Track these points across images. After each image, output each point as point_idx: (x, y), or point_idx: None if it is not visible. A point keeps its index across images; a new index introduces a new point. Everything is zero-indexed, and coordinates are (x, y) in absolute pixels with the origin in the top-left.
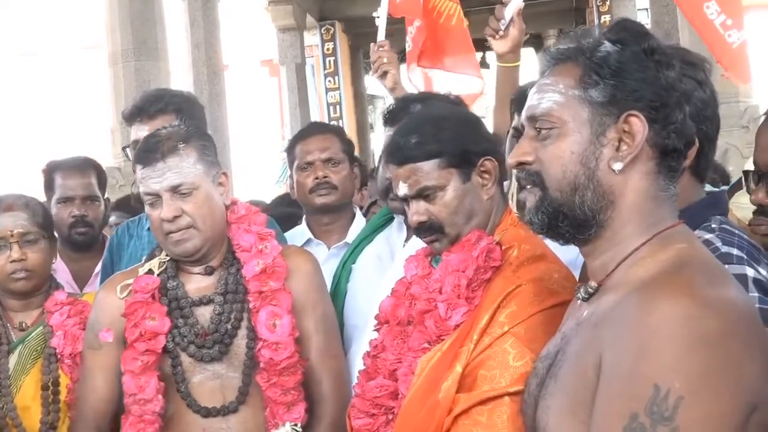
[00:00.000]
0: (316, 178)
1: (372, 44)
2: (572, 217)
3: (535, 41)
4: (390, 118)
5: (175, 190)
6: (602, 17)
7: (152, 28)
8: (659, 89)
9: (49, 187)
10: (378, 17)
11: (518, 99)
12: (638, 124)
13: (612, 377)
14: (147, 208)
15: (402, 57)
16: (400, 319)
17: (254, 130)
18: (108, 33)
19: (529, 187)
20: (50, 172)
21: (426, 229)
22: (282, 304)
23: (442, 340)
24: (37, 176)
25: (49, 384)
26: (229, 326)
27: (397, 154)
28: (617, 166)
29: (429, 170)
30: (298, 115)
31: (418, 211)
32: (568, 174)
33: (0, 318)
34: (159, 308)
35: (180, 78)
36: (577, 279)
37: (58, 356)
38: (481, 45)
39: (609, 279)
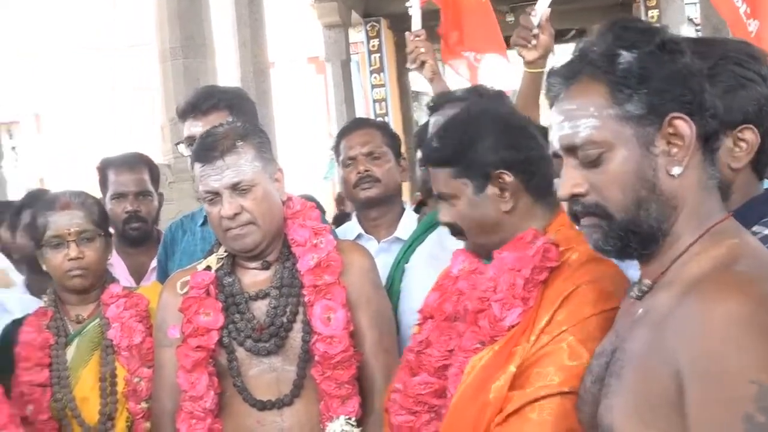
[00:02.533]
0: (359, 173)
1: (407, 33)
2: (640, 233)
3: (581, 37)
4: (433, 108)
5: (234, 187)
6: (649, 12)
7: (199, 26)
8: (684, 80)
9: (103, 183)
10: (410, 6)
11: None
12: (684, 126)
13: (703, 388)
14: (206, 206)
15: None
16: (447, 314)
17: (301, 127)
18: (156, 30)
19: (587, 219)
20: (103, 169)
21: (451, 229)
22: (336, 298)
23: (496, 340)
24: (89, 174)
25: (107, 375)
26: (284, 320)
27: (423, 154)
28: (676, 170)
29: (443, 178)
30: (344, 112)
31: (442, 211)
32: (628, 193)
33: (58, 311)
34: (214, 304)
35: (227, 76)
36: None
37: (115, 348)
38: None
39: (663, 277)
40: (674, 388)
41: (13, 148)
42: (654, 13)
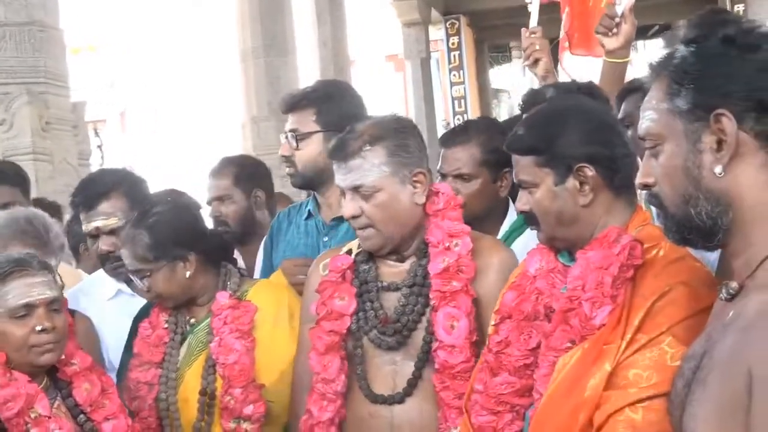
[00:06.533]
0: None
1: (523, 30)
2: (695, 228)
3: (666, 32)
4: (524, 107)
5: (356, 190)
6: (735, 6)
7: (281, 25)
8: (749, 77)
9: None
10: (530, 2)
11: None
12: (727, 123)
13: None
14: (341, 199)
15: (556, 44)
16: (526, 313)
17: None
18: (238, 30)
19: (656, 209)
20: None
21: (527, 218)
22: (461, 306)
23: (586, 339)
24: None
25: (206, 390)
26: (410, 319)
27: (508, 142)
28: (718, 169)
29: (526, 165)
30: (423, 109)
31: (521, 200)
32: (677, 188)
33: (178, 310)
34: (348, 289)
35: (307, 74)
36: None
37: (216, 363)
38: None
39: (751, 279)
40: (744, 392)
41: (99, 146)
42: (740, 7)
